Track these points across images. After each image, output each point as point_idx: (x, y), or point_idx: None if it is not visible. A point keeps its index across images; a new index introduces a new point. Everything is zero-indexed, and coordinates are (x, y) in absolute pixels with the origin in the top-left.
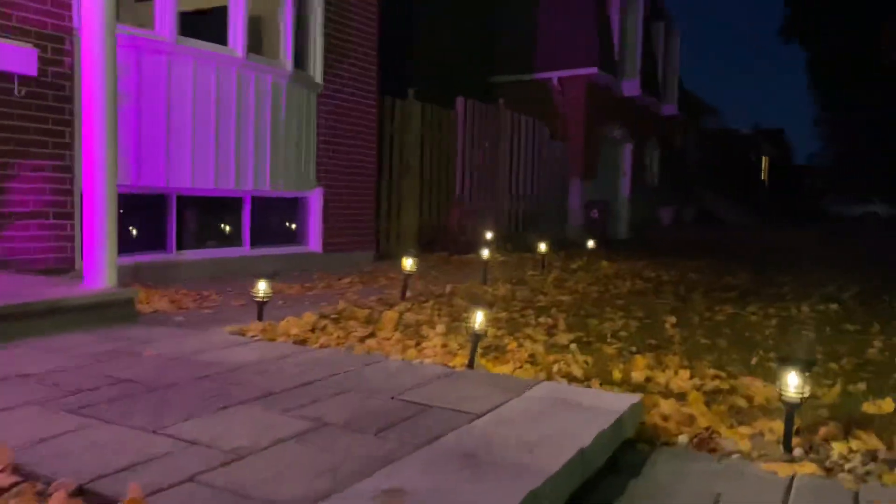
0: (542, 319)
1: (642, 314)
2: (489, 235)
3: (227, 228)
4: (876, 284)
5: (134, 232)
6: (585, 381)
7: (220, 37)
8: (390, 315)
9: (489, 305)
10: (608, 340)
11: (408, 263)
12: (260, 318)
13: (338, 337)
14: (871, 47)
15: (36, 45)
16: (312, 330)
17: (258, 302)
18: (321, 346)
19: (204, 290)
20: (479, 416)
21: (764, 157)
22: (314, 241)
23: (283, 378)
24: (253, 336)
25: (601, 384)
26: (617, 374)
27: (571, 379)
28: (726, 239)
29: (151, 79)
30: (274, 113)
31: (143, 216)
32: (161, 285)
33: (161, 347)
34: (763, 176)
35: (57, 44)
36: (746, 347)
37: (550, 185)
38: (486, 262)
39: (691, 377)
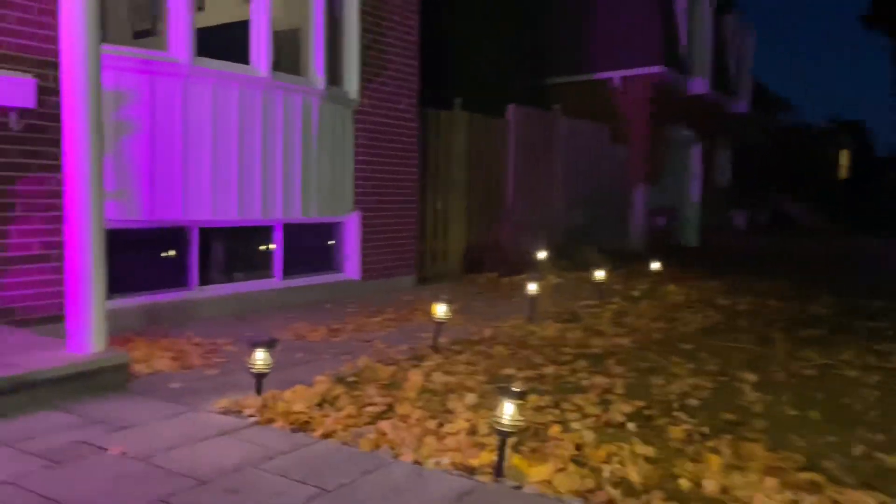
0: (595, 379)
1: (716, 367)
2: (541, 255)
3: (256, 259)
4: None
5: (151, 269)
6: (644, 492)
7: (241, 54)
8: (415, 379)
9: (537, 364)
10: (674, 414)
11: (440, 311)
12: (259, 391)
13: (348, 416)
14: None
15: (36, 75)
16: (321, 404)
17: (255, 374)
18: (324, 435)
19: (219, 338)
20: None
21: (843, 152)
22: (351, 268)
23: (256, 500)
24: (249, 415)
25: (665, 500)
26: (685, 483)
27: (627, 489)
28: (804, 247)
29: (165, 104)
30: (305, 134)
31: (160, 251)
32: (176, 329)
33: (133, 440)
34: (842, 172)
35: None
36: (846, 425)
37: (611, 193)
38: (534, 297)
39: (780, 486)
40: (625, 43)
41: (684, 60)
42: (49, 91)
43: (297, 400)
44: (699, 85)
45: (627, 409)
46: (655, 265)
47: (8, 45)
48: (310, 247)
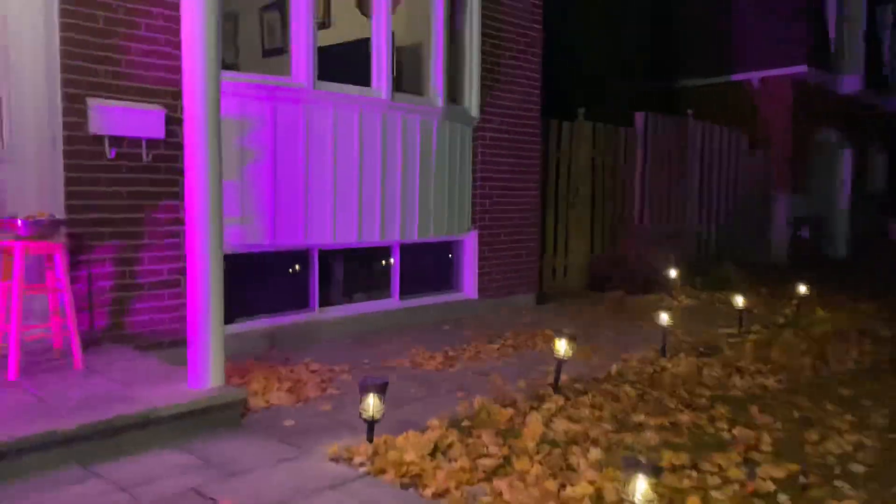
0: (738, 431)
1: (883, 419)
2: (672, 272)
3: (374, 280)
4: None
5: (273, 292)
6: None
7: (360, 74)
8: (534, 425)
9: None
10: (836, 483)
11: (561, 348)
12: (370, 438)
13: (461, 469)
14: None
15: (164, 105)
16: (433, 453)
17: (366, 420)
18: (435, 494)
19: (336, 364)
20: None
21: None
22: (469, 287)
23: None
24: (360, 463)
25: None
26: None
27: None
28: None
29: (288, 129)
30: (423, 155)
31: (282, 274)
32: (296, 353)
33: (243, 490)
34: None
35: None
36: None
37: (749, 203)
38: (664, 328)
39: None
40: (765, 41)
41: (833, 58)
42: (176, 121)
43: (409, 448)
44: (850, 83)
45: (777, 473)
46: (801, 284)
47: (138, 77)
48: (427, 266)
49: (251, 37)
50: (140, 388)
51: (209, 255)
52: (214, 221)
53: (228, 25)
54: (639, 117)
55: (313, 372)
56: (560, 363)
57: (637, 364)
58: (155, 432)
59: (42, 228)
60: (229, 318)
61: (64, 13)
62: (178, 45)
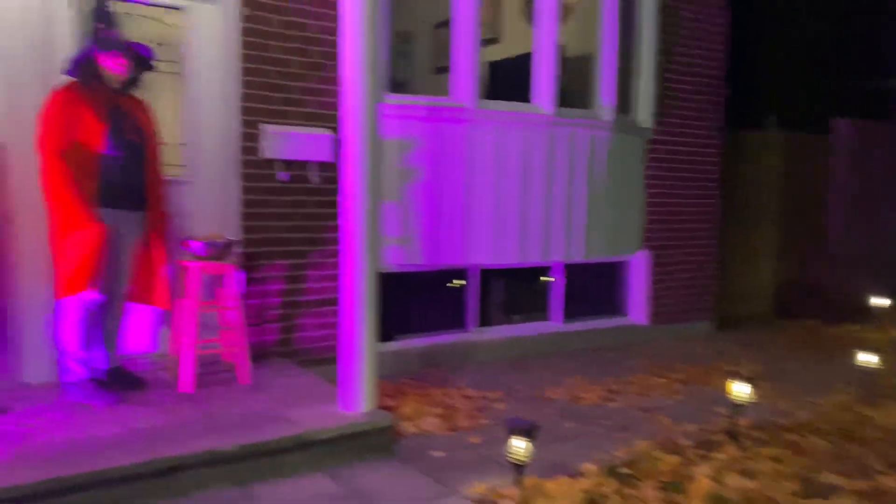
0: None
1: None
2: (880, 301)
3: (534, 301)
4: None
5: (430, 311)
6: None
7: (519, 89)
8: (703, 480)
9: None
10: None
11: (739, 392)
12: (518, 483)
13: None
14: None
15: (333, 129)
16: None
17: (513, 464)
18: None
19: (491, 389)
20: None
21: None
22: (637, 312)
23: None
24: None
25: None
26: None
27: None
28: None
29: (449, 149)
30: (589, 171)
31: (440, 293)
32: (451, 374)
33: None
34: None
35: None
36: None
37: None
38: (869, 366)
39: None
40: None
41: None
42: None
43: (560, 497)
44: None
45: None
46: None
47: (309, 102)
48: (592, 287)
49: (425, 54)
50: (296, 409)
51: (363, 276)
52: (369, 242)
53: (404, 44)
54: (839, 124)
55: (467, 398)
56: (737, 407)
57: (832, 410)
58: (308, 455)
59: (217, 250)
60: (388, 336)
61: (244, 45)
62: None
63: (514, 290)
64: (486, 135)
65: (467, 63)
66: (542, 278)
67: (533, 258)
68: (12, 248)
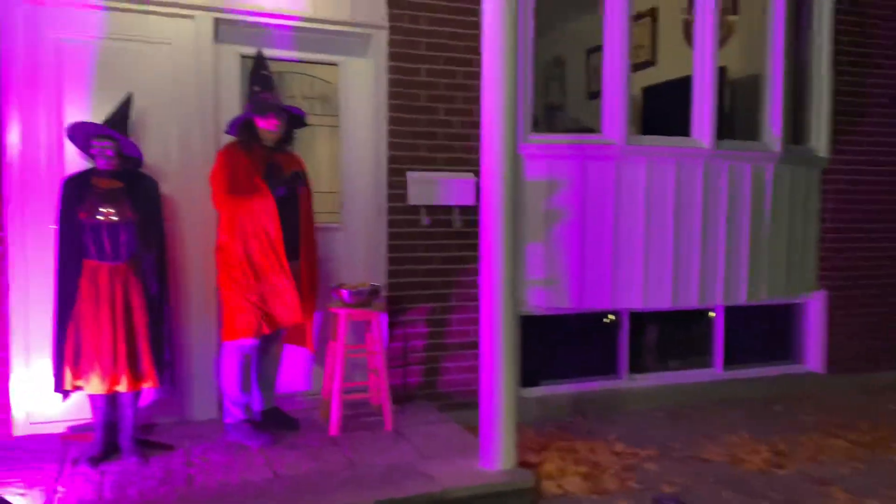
0: None
1: None
2: None
3: (691, 346)
4: None
5: (577, 356)
6: None
7: (675, 116)
8: None
9: None
10: None
11: None
12: None
13: None
14: None
15: (475, 172)
16: None
17: None
18: None
19: (643, 445)
20: None
21: None
22: (812, 359)
23: None
24: None
25: None
26: None
27: None
28: None
29: (597, 187)
30: (754, 207)
31: (588, 337)
32: (600, 424)
33: None
34: None
35: None
36: None
37: None
38: None
39: None
40: None
41: None
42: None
43: None
44: None
45: None
46: None
47: (452, 147)
48: (758, 331)
49: (577, 79)
50: (435, 463)
51: (501, 320)
52: (508, 285)
53: (555, 68)
54: None
55: (615, 454)
56: None
57: None
58: None
59: (363, 297)
60: (532, 382)
61: (391, 95)
62: None
63: (669, 334)
64: (637, 171)
65: (617, 99)
66: (703, 318)
67: (689, 301)
68: (184, 295)
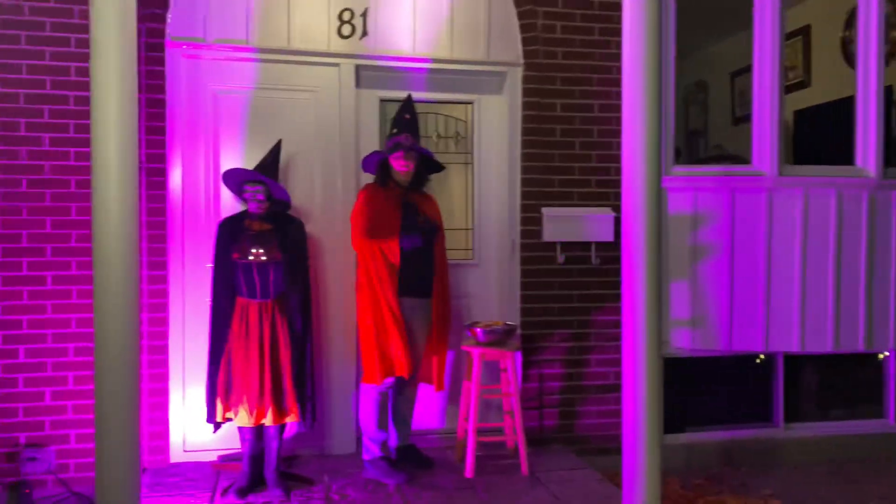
0: None
1: None
2: None
3: (859, 393)
4: None
5: (727, 402)
6: None
7: (833, 141)
8: None
9: None
10: None
11: None
12: None
13: None
14: None
15: (614, 208)
16: None
17: None
18: None
19: None
20: None
21: None
22: None
23: None
24: None
25: None
26: None
27: None
28: None
29: (746, 222)
30: None
31: (739, 382)
32: (753, 477)
33: None
34: None
35: None
36: None
37: None
38: None
39: None
40: None
41: None
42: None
43: None
44: None
45: None
46: None
47: (589, 182)
48: None
49: (721, 104)
50: None
51: (644, 364)
52: (650, 326)
53: (699, 93)
54: None
55: None
56: None
57: None
58: None
59: (496, 336)
60: (679, 427)
61: (525, 131)
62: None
63: (832, 378)
64: (791, 203)
65: (768, 127)
66: (872, 361)
67: (853, 345)
68: (325, 333)
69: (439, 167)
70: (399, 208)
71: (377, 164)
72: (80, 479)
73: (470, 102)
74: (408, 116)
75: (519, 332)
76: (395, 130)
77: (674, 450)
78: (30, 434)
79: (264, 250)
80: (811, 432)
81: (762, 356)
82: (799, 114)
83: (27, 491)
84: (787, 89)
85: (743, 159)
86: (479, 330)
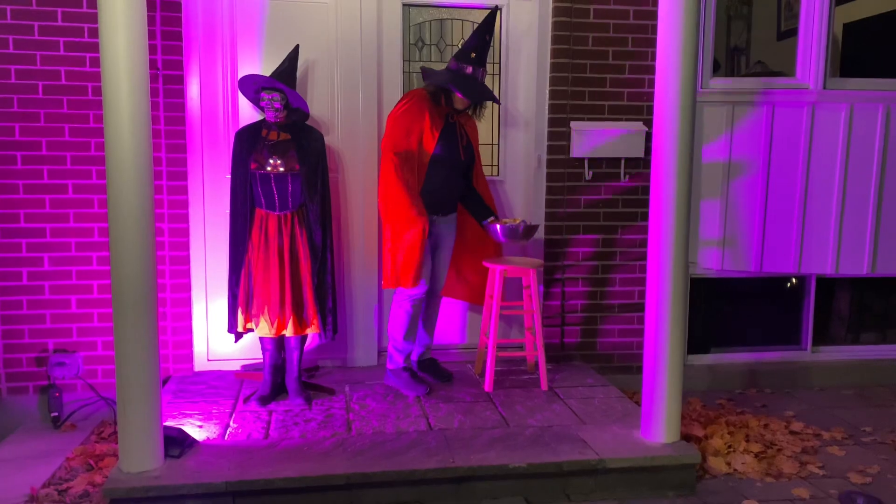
0: None
1: None
2: None
3: (890, 318)
4: None
5: (754, 324)
6: None
7: (883, 58)
8: None
9: None
10: None
11: None
12: None
13: None
14: None
15: (645, 122)
16: None
17: None
18: None
19: (826, 426)
20: None
21: None
22: None
23: None
24: None
25: None
26: None
27: None
28: None
29: (784, 138)
30: None
31: (768, 303)
32: (776, 400)
33: None
34: None
35: None
36: None
37: None
38: None
39: None
40: None
41: None
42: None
43: None
44: None
45: None
46: None
47: (620, 95)
48: None
49: (767, 18)
50: (591, 429)
51: (669, 284)
52: (678, 245)
53: (742, 6)
54: None
55: (793, 434)
56: None
57: None
58: (598, 482)
59: (518, 235)
60: (703, 348)
61: (554, 39)
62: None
63: (864, 303)
64: (834, 120)
65: (814, 37)
66: None
67: (892, 268)
68: (346, 245)
69: (495, 100)
70: (443, 123)
71: (437, 78)
72: (108, 385)
73: (499, 8)
74: (488, 38)
75: (542, 236)
76: (473, 56)
77: (698, 370)
78: (58, 340)
79: (282, 161)
80: (840, 356)
81: (794, 279)
82: (848, 27)
83: (57, 394)
84: (838, 1)
85: (786, 76)
86: (499, 227)
